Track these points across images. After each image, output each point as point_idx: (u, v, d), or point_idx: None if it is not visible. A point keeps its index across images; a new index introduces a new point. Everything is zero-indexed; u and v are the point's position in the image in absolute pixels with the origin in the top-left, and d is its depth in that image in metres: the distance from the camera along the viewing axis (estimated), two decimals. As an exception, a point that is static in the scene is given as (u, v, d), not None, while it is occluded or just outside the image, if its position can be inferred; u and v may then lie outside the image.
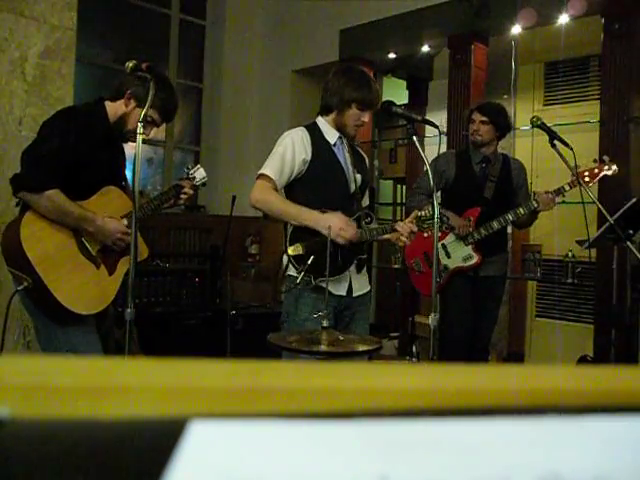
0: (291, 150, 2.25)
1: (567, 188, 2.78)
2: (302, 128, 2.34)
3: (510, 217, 2.90)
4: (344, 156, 2.36)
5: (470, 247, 3.01)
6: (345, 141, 2.38)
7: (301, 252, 2.21)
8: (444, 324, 2.78)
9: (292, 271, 2.24)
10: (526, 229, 3.75)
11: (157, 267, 4.29)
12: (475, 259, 3.01)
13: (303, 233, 2.22)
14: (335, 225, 2.17)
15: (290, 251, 2.22)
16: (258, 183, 2.26)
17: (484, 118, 3.02)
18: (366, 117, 2.32)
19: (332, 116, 2.34)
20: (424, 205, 3.03)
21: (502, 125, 3.05)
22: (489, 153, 3.07)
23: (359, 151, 2.51)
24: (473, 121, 3.05)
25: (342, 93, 2.29)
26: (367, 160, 2.56)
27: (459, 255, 3.05)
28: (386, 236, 2.33)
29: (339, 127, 2.34)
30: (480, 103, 3.17)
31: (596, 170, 2.76)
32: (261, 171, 2.26)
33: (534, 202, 2.83)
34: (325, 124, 2.36)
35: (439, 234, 2.09)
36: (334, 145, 2.34)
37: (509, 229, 4.51)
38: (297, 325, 2.20)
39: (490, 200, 3.01)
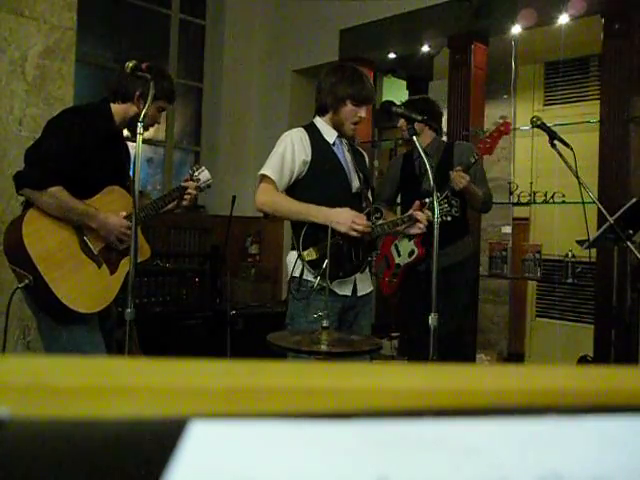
0: (291, 151, 2.25)
1: (472, 160, 2.77)
2: (301, 129, 2.34)
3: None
4: (344, 155, 2.36)
5: (413, 242, 3.01)
6: (344, 140, 2.38)
7: (315, 257, 2.21)
8: (406, 321, 2.76)
9: (306, 275, 2.24)
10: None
11: (157, 267, 4.29)
12: (416, 252, 3.02)
13: (315, 237, 2.21)
14: (347, 219, 2.18)
15: (304, 256, 2.22)
16: (262, 186, 2.25)
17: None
18: (363, 112, 2.31)
19: (329, 116, 2.34)
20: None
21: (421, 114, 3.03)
22: (426, 145, 3.04)
23: (359, 149, 2.51)
24: (398, 120, 3.07)
25: (336, 91, 2.28)
26: (367, 157, 2.56)
27: (406, 251, 3.07)
28: (397, 228, 2.34)
29: (336, 126, 2.33)
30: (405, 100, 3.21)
31: (495, 134, 2.76)
32: (262, 172, 2.26)
33: (450, 183, 2.80)
34: (323, 124, 2.36)
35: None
36: (333, 144, 2.34)
37: (509, 229, 4.51)
38: (304, 327, 2.20)
39: (430, 191, 2.99)
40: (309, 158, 2.28)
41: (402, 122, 3.01)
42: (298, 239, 2.25)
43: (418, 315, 3.01)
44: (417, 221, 2.30)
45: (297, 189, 2.30)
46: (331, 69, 2.38)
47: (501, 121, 2.80)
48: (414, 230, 2.34)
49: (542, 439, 0.26)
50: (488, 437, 0.26)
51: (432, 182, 2.01)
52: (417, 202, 2.33)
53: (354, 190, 2.35)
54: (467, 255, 3.19)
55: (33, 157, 2.07)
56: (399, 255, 3.11)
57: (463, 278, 3.19)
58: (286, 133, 2.33)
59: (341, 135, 2.36)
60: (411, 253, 3.05)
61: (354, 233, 2.20)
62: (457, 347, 3.14)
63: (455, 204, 2.25)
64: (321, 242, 2.20)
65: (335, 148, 2.35)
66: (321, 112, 2.36)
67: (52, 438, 0.26)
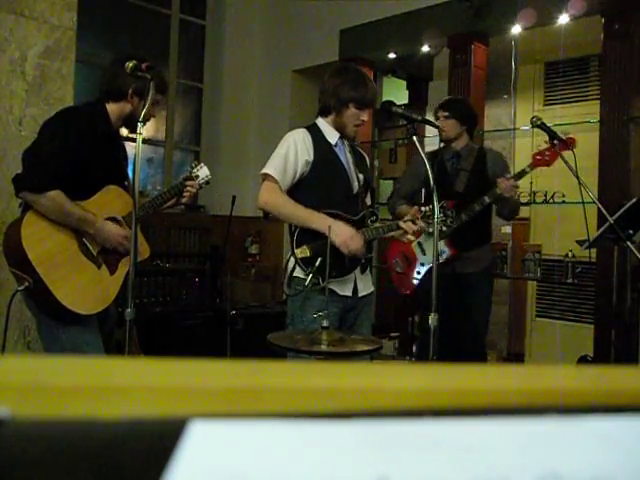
0: (294, 151, 2.26)
1: (528, 170, 2.80)
2: (303, 129, 2.34)
3: (477, 207, 2.88)
4: (345, 156, 2.37)
5: (443, 242, 2.99)
6: (346, 141, 2.38)
7: (308, 254, 2.21)
8: (424, 322, 2.77)
9: (299, 273, 2.24)
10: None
11: (157, 267, 4.29)
12: (448, 253, 3.00)
13: (310, 235, 2.22)
14: (343, 234, 2.18)
15: (297, 253, 2.22)
16: (265, 185, 2.26)
17: (446, 113, 3.05)
18: (365, 116, 2.32)
19: (331, 117, 2.35)
20: (399, 207, 3.08)
21: (464, 117, 3.06)
22: (460, 148, 3.08)
23: (360, 151, 2.52)
24: (438, 118, 3.08)
25: (339, 94, 2.29)
26: (368, 159, 2.57)
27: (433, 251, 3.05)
28: (391, 234, 2.34)
29: (339, 128, 2.34)
30: (443, 100, 3.20)
31: (557, 148, 2.76)
32: (264, 170, 2.26)
33: (497, 189, 2.82)
34: (325, 125, 2.36)
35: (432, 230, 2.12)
36: (335, 146, 2.35)
37: (509, 229, 4.51)
38: (304, 327, 2.20)
39: (462, 193, 3.01)
40: (311, 158, 2.28)
41: (444, 123, 3.02)
42: (292, 236, 2.26)
43: (444, 316, 3.02)
44: (405, 231, 2.30)
45: (298, 189, 2.30)
46: (335, 70, 2.38)
47: (564, 137, 2.80)
48: (405, 240, 2.35)
49: (542, 439, 0.26)
50: (488, 437, 0.26)
51: (432, 183, 2.01)
52: (415, 208, 2.33)
53: (355, 191, 2.36)
54: (490, 262, 3.21)
55: (31, 160, 2.06)
56: (424, 254, 3.07)
57: (488, 286, 3.21)
58: (289, 133, 2.33)
59: (343, 136, 2.36)
60: (441, 253, 2.98)
61: (345, 250, 2.20)
62: (478, 352, 3.15)
63: (450, 215, 2.25)
64: (315, 240, 2.20)
65: (337, 149, 2.35)
66: (323, 113, 2.37)
67: (52, 438, 0.26)
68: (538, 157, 2.76)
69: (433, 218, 2.02)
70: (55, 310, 2.03)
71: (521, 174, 2.82)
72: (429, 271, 3.05)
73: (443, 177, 3.08)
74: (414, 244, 3.10)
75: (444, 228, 2.55)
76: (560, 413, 0.28)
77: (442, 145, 3.18)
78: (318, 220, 2.20)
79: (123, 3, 5.04)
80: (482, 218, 2.98)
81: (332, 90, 2.31)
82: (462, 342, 3.06)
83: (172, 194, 2.34)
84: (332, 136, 2.35)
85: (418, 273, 3.10)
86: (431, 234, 2.95)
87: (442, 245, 2.99)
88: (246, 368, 0.31)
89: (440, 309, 3.00)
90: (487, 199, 2.86)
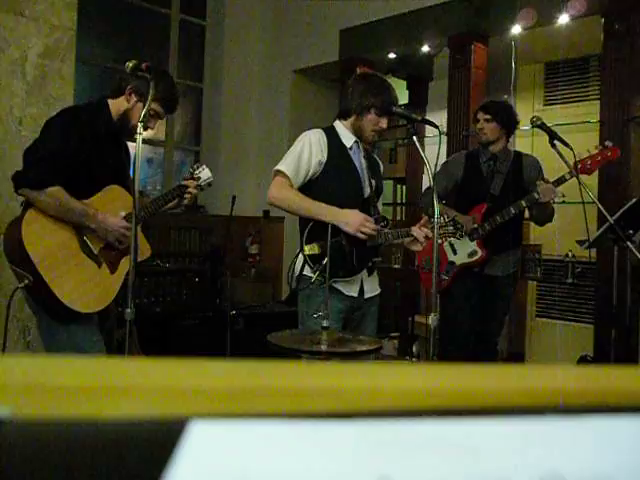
0: (308, 150, 2.29)
1: (567, 177, 2.76)
2: (320, 130, 2.37)
3: (512, 210, 2.88)
4: (360, 160, 2.39)
5: (475, 243, 3.01)
6: (361, 146, 2.40)
7: (317, 252, 2.23)
8: (446, 321, 2.80)
9: (307, 271, 2.27)
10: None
11: (157, 267, 4.29)
12: (479, 254, 3.01)
13: (320, 233, 2.23)
14: (355, 221, 2.21)
15: (306, 250, 2.24)
16: (276, 180, 2.29)
17: (487, 116, 3.04)
18: (384, 123, 2.36)
19: (350, 120, 2.38)
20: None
21: (506, 121, 3.06)
22: (497, 151, 3.08)
23: (374, 157, 2.56)
24: (478, 120, 3.08)
25: (361, 98, 2.33)
26: (382, 167, 2.58)
27: (465, 251, 3.05)
28: (400, 240, 2.34)
29: (357, 132, 2.37)
30: (484, 102, 3.18)
31: (599, 157, 2.76)
32: (277, 167, 2.30)
33: (535, 193, 2.82)
34: (343, 128, 2.39)
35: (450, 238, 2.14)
36: (350, 149, 2.38)
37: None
38: (311, 325, 2.22)
39: (497, 196, 3.01)
40: (324, 159, 2.31)
41: (484, 125, 3.03)
42: (303, 233, 2.28)
43: (467, 317, 3.05)
44: (415, 238, 2.30)
45: (310, 189, 2.32)
46: (360, 76, 2.48)
47: (609, 145, 2.79)
48: (414, 247, 2.35)
49: (542, 439, 0.26)
50: (488, 437, 0.26)
51: (432, 184, 2.01)
52: (425, 218, 2.34)
53: (366, 196, 2.38)
54: (516, 269, 3.21)
55: (31, 157, 2.07)
56: (455, 253, 3.08)
57: (512, 290, 3.23)
58: (305, 133, 2.37)
59: (360, 140, 2.39)
60: (472, 254, 3.03)
61: (362, 235, 2.23)
62: (491, 349, 3.16)
63: (460, 228, 2.25)
64: (325, 239, 2.21)
65: (351, 152, 2.38)
66: (343, 116, 2.41)
67: (52, 438, 0.26)
68: (579, 165, 2.70)
69: (434, 221, 2.02)
70: (55, 308, 2.03)
71: (561, 180, 2.78)
72: (458, 271, 3.08)
73: (478, 179, 3.09)
74: (446, 243, 3.09)
75: (451, 239, 2.52)
76: (560, 413, 0.28)
77: (479, 147, 3.17)
78: (325, 211, 2.24)
79: (123, 3, 5.03)
80: (514, 222, 2.98)
81: (355, 94, 2.35)
82: (478, 338, 3.09)
83: (174, 196, 2.34)
84: (348, 139, 2.37)
85: (447, 272, 3.10)
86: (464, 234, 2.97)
87: (474, 246, 3.01)
88: (246, 368, 0.31)
89: (462, 306, 3.04)
90: (524, 203, 2.86)
